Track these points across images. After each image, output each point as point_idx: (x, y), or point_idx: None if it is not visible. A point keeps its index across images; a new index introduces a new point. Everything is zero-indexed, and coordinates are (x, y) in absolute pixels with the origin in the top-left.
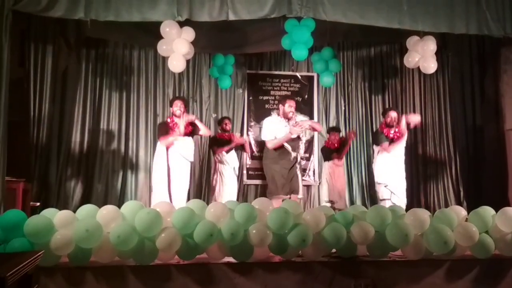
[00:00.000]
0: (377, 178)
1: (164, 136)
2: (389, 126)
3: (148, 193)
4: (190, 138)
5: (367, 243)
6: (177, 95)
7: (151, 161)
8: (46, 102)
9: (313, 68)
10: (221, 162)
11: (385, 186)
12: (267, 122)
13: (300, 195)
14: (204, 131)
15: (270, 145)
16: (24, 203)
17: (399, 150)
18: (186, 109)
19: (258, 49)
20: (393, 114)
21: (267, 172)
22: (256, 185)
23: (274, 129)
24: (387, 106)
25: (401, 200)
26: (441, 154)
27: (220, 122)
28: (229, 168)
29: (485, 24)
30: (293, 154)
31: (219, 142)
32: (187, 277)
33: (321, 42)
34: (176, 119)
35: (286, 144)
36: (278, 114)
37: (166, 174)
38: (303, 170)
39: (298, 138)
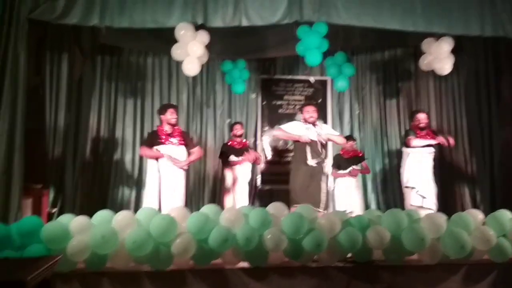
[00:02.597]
0: (405, 183)
1: (147, 147)
2: (419, 129)
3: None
4: (183, 146)
5: (383, 248)
6: (191, 100)
7: None
8: (62, 109)
9: (326, 72)
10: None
11: (417, 192)
12: (293, 122)
13: (320, 209)
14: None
15: (275, 131)
16: (41, 210)
17: (426, 155)
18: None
19: (271, 54)
20: (420, 116)
21: (290, 178)
22: (271, 190)
23: (295, 126)
24: (402, 110)
25: (431, 205)
26: (457, 157)
27: (231, 127)
28: (240, 181)
29: (500, 26)
30: (310, 161)
31: (229, 151)
32: (202, 282)
33: (334, 46)
34: (166, 128)
35: (307, 150)
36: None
37: (157, 184)
38: None
39: (321, 144)
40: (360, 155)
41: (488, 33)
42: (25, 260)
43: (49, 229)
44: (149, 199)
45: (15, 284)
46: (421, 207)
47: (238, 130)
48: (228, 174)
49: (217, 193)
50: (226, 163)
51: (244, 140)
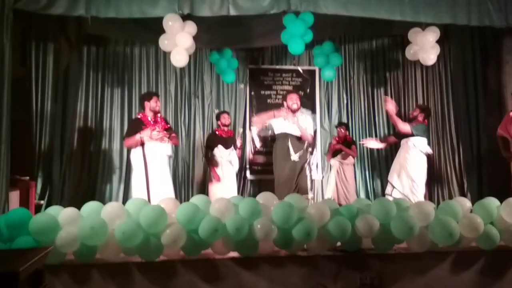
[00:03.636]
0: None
1: (131, 137)
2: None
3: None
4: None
5: (372, 236)
6: (179, 91)
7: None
8: (48, 100)
9: (314, 62)
10: (217, 159)
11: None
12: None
13: (310, 195)
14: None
15: (257, 118)
16: (28, 202)
17: (402, 145)
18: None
19: (259, 43)
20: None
21: (274, 167)
22: (260, 180)
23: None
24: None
25: (399, 195)
26: (444, 145)
27: (218, 116)
28: (227, 164)
29: (487, 15)
30: (294, 157)
31: (216, 140)
32: (193, 272)
33: (322, 35)
34: (150, 115)
35: (289, 144)
36: (286, 111)
37: (143, 171)
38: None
39: (301, 139)
40: (349, 140)
41: (475, 23)
42: (17, 251)
43: (37, 221)
44: (137, 189)
45: (7, 276)
46: (389, 195)
47: (226, 119)
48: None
49: (206, 183)
50: (212, 154)
51: (230, 130)
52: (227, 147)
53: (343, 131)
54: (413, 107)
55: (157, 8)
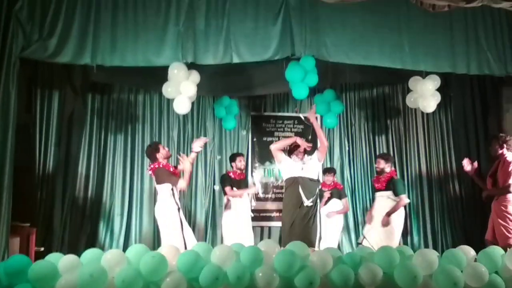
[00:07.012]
0: None
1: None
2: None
3: (153, 238)
4: None
5: (375, 285)
6: (181, 137)
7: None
8: (51, 146)
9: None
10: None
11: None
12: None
13: (316, 248)
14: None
15: (272, 146)
16: (28, 248)
17: (377, 199)
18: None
19: (261, 91)
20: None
21: (282, 215)
22: (262, 227)
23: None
24: (391, 147)
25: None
26: (446, 193)
27: (232, 158)
28: (244, 207)
29: (486, 64)
30: (306, 202)
31: (228, 181)
32: None
33: (323, 84)
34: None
35: (300, 190)
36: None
37: (178, 218)
38: None
39: (317, 181)
40: (340, 188)
41: (474, 71)
42: None
43: (36, 268)
44: (174, 236)
45: None
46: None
47: (241, 162)
48: (228, 210)
49: (208, 230)
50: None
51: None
52: (240, 189)
53: (328, 178)
54: (414, 154)
55: (161, 57)
